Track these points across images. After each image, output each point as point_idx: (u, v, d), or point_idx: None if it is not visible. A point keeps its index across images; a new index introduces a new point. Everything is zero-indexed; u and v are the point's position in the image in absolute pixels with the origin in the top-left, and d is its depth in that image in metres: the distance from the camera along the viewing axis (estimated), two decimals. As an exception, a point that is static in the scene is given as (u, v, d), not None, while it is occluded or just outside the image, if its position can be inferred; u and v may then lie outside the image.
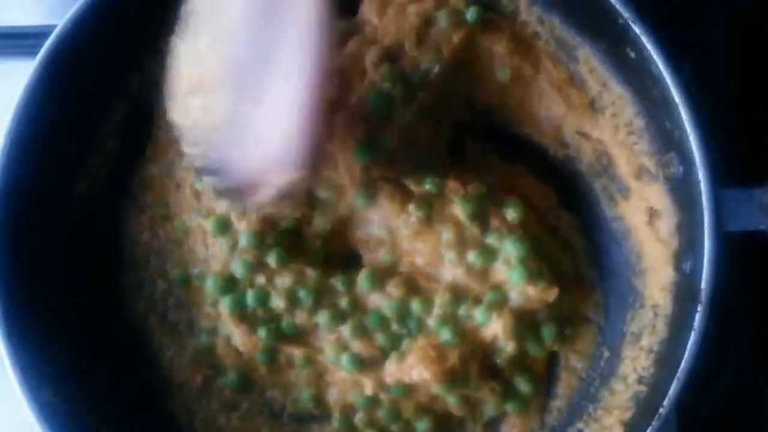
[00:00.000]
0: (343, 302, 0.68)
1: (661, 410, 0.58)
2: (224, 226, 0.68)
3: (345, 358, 0.67)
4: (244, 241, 0.68)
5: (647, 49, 0.61)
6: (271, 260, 0.67)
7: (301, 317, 0.68)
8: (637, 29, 0.61)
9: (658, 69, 0.60)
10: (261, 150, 0.56)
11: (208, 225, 0.69)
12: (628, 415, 0.64)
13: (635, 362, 0.67)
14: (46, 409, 0.60)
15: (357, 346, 0.68)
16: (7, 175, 0.63)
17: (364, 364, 0.68)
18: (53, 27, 0.64)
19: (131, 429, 0.68)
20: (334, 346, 0.68)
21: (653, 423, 0.59)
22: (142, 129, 0.73)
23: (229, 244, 0.68)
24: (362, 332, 0.68)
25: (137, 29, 0.68)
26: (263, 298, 0.68)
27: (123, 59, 0.70)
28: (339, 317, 0.68)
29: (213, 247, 0.69)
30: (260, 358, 0.69)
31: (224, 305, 0.68)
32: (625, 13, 0.61)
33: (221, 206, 0.68)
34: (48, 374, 0.62)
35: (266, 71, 0.55)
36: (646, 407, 0.62)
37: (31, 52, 0.64)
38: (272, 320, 0.68)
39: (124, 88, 0.72)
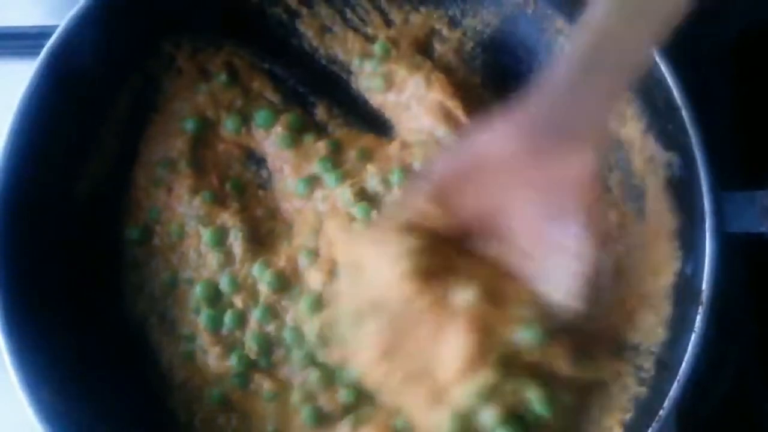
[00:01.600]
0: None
1: (661, 412, 0.58)
2: (220, 238, 0.68)
3: (306, 411, 0.66)
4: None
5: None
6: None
7: (278, 353, 0.68)
8: (639, 31, 0.61)
9: (660, 71, 0.60)
10: None
11: (205, 234, 0.69)
12: (628, 416, 0.64)
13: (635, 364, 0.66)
14: (46, 409, 0.60)
15: (323, 398, 0.66)
16: (9, 176, 0.62)
17: (323, 420, 0.66)
18: (53, 27, 0.64)
19: (131, 428, 0.67)
20: (300, 391, 0.66)
21: (653, 425, 0.59)
22: (145, 127, 0.73)
23: (220, 258, 0.68)
24: (330, 383, 0.66)
25: (139, 28, 0.69)
26: (240, 319, 0.68)
27: (125, 58, 0.70)
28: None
29: (206, 256, 0.69)
30: (233, 381, 0.68)
31: (201, 319, 0.68)
32: (628, 15, 0.61)
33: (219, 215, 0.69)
34: (48, 373, 0.62)
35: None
36: (645, 409, 0.62)
37: (31, 52, 0.63)
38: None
39: (127, 88, 0.72)
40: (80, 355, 0.66)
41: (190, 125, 0.71)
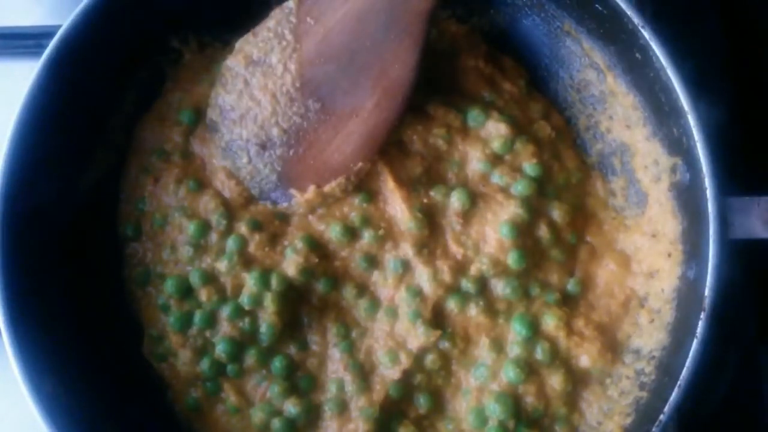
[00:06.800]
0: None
1: (661, 417, 0.58)
2: (204, 231, 0.68)
3: (276, 425, 0.65)
4: (231, 245, 0.67)
5: (657, 56, 0.60)
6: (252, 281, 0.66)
7: (249, 359, 0.66)
8: (646, 34, 0.61)
9: (667, 76, 0.60)
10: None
11: (190, 226, 0.68)
12: (629, 420, 0.64)
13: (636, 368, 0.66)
14: (47, 402, 0.60)
15: (288, 403, 0.65)
16: (14, 176, 0.63)
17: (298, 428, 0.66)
18: (54, 27, 0.63)
19: (131, 421, 0.67)
20: (262, 407, 0.66)
21: (653, 429, 0.59)
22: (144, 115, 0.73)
23: (194, 250, 0.68)
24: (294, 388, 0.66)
25: (144, 26, 0.69)
26: (210, 319, 0.66)
27: (132, 55, 0.70)
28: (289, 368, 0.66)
29: (178, 251, 0.69)
30: (204, 388, 0.68)
31: (170, 320, 0.67)
32: (635, 19, 0.61)
33: (204, 207, 0.68)
34: (50, 367, 0.62)
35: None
36: (646, 413, 0.62)
37: (32, 52, 0.63)
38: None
39: (134, 82, 0.72)
40: (83, 350, 0.66)
41: (186, 117, 0.71)
